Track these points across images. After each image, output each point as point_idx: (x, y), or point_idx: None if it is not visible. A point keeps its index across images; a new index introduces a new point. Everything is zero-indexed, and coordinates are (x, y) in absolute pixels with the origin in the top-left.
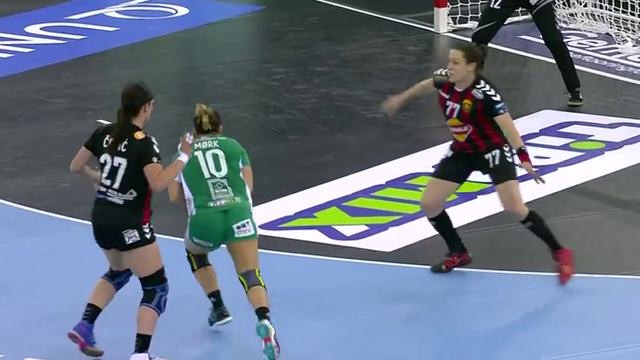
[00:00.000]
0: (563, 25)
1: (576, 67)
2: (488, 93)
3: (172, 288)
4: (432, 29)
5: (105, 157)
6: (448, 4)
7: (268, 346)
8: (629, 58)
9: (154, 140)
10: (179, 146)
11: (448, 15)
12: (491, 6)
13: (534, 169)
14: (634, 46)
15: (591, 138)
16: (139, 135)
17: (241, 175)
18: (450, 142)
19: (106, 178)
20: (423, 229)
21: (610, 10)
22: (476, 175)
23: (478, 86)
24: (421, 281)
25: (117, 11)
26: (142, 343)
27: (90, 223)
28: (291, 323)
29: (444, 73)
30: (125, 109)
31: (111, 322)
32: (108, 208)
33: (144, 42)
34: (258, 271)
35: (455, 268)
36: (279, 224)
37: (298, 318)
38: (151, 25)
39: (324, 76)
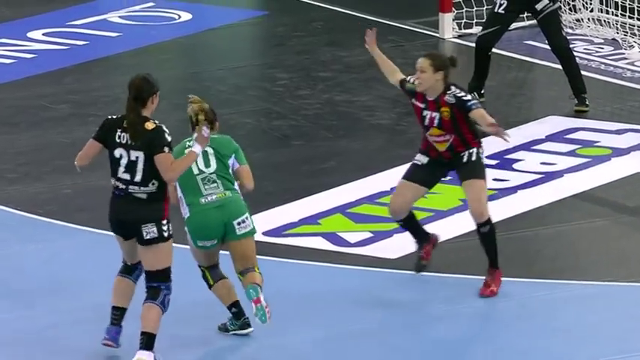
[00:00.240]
0: (570, 31)
1: (583, 72)
2: (458, 95)
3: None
4: (437, 34)
5: (120, 152)
6: (453, 9)
7: (259, 308)
8: (635, 63)
9: (165, 129)
10: (194, 136)
11: (453, 20)
12: (496, 11)
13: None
14: None
15: (598, 144)
16: (150, 125)
17: (232, 172)
18: (423, 149)
19: (124, 172)
20: None
21: (617, 15)
22: None
23: (449, 92)
24: (426, 288)
25: (119, 17)
26: (148, 340)
27: (89, 229)
28: (293, 331)
29: (413, 81)
30: (134, 99)
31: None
32: (130, 203)
33: (146, 47)
34: (257, 268)
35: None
36: (283, 231)
37: (301, 325)
38: (153, 31)
39: (328, 82)
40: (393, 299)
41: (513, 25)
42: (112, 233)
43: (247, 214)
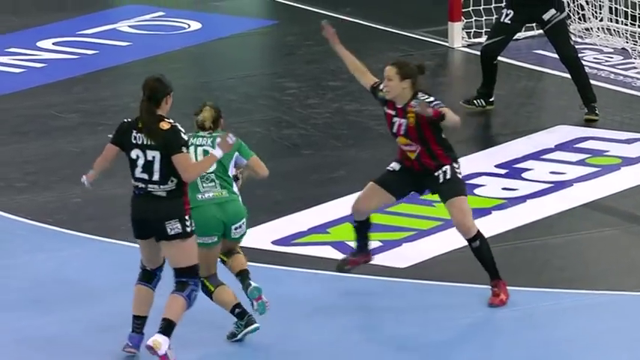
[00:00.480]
0: (579, 40)
1: (592, 82)
2: (422, 98)
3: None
4: (447, 44)
5: (137, 152)
6: (463, 18)
7: (260, 304)
8: None
9: (180, 128)
10: (217, 139)
11: (462, 29)
12: (502, 20)
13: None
14: None
15: (607, 153)
16: (165, 125)
17: (234, 171)
18: (399, 158)
19: (142, 172)
20: (437, 246)
21: (626, 24)
22: (489, 191)
23: (415, 99)
24: (435, 297)
25: (129, 26)
26: (167, 327)
27: (98, 238)
28: (303, 338)
29: (382, 88)
30: (148, 99)
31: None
32: (151, 202)
33: (156, 57)
34: (240, 250)
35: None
36: (292, 240)
37: (311, 333)
38: (163, 40)
39: (338, 91)
40: (402, 308)
41: (523, 35)
42: (122, 242)
43: (245, 219)
